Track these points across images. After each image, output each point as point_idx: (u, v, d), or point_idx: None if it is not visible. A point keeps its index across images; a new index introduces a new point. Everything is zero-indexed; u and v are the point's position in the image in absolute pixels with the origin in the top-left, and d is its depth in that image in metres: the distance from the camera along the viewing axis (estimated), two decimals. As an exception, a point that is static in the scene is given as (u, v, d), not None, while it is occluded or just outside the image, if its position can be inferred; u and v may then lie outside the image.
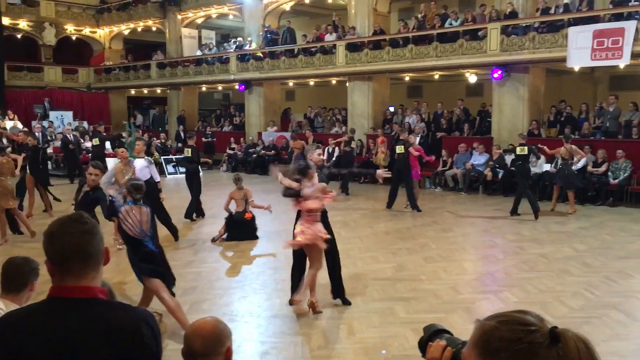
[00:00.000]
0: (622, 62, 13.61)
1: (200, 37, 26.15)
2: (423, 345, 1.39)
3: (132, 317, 1.79)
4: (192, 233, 10.61)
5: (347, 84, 19.92)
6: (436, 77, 19.59)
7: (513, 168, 14.61)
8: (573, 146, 12.41)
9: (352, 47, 18.87)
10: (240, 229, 9.80)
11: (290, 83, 23.31)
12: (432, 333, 1.40)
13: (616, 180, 13.20)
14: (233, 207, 10.06)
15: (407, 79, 20.42)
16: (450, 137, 17.20)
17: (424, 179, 16.08)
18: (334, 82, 22.12)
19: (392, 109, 19.55)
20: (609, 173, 13.39)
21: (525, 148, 11.80)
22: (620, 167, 13.29)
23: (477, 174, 15.48)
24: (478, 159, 15.64)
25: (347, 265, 8.08)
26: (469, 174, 15.52)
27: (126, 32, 28.87)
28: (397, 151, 12.73)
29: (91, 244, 1.78)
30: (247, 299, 6.74)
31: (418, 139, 15.40)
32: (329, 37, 19.93)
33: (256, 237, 9.91)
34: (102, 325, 1.71)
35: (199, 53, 24.90)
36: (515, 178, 14.27)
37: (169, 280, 5.83)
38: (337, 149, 17.17)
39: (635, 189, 13.32)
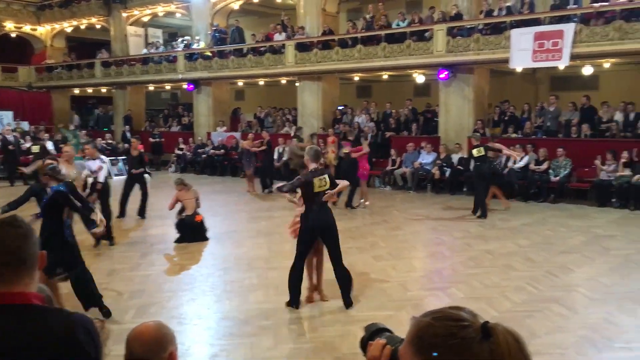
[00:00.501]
0: (562, 64, 14.10)
1: (146, 36, 25.61)
2: (364, 344, 1.40)
3: (69, 323, 1.74)
4: (139, 235, 10.40)
5: (297, 84, 19.92)
6: (385, 77, 19.81)
7: (461, 167, 14.99)
8: (496, 145, 12.69)
9: (302, 47, 18.88)
10: (191, 231, 9.66)
11: (240, 83, 23.12)
12: (373, 332, 1.41)
13: (557, 178, 13.67)
14: (178, 208, 9.96)
15: (356, 79, 20.57)
16: (399, 137, 17.44)
17: (373, 178, 16.26)
18: (283, 81, 22.08)
19: (342, 108, 19.67)
20: (550, 171, 13.85)
21: (482, 149, 11.70)
22: (561, 165, 13.77)
23: (425, 172, 15.75)
24: (426, 158, 15.92)
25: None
26: (417, 172, 15.77)
27: (69, 30, 28.00)
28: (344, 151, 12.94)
29: (25, 248, 1.72)
30: (197, 301, 6.65)
31: (369, 138, 15.60)
32: (278, 37, 19.88)
33: (206, 239, 9.80)
34: (37, 332, 1.65)
35: (145, 52, 24.40)
36: (462, 177, 14.64)
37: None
38: (287, 148, 17.18)
39: (574, 186, 13.82)
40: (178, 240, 9.58)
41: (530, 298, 6.57)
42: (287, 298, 6.39)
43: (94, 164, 9.69)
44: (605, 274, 7.53)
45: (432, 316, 1.17)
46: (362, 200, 13.01)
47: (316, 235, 6.28)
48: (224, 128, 21.68)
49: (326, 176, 6.20)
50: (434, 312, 1.18)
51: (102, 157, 10.29)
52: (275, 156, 18.52)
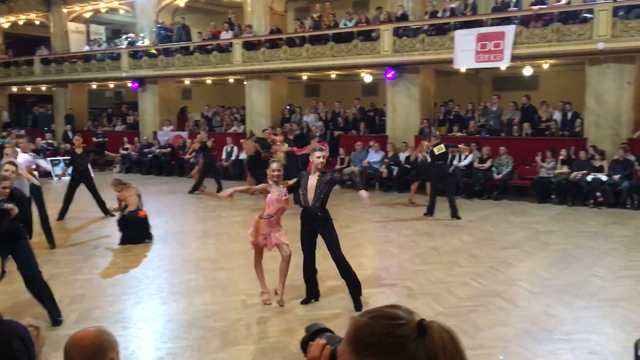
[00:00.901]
0: (503, 64, 14.51)
1: (88, 32, 24.88)
2: (304, 344, 1.40)
3: (3, 332, 1.68)
4: (82, 238, 10.10)
5: (245, 83, 19.78)
6: (333, 76, 19.91)
7: (408, 165, 15.21)
8: (425, 143, 12.90)
9: (249, 46, 18.76)
10: (134, 228, 9.45)
11: (187, 81, 22.78)
12: (314, 332, 1.41)
13: (499, 175, 14.06)
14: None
15: (304, 78, 20.60)
16: (347, 136, 17.56)
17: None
18: (231, 80, 21.88)
19: (289, 107, 19.66)
20: (493, 168, 14.24)
21: (442, 146, 11.60)
22: (503, 163, 14.17)
23: (373, 171, 15.91)
24: (374, 156, 16.08)
25: (246, 265, 8.04)
26: (365, 171, 15.92)
27: (6, 26, 26.89)
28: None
29: None
30: (142, 304, 6.50)
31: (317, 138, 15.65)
32: (225, 35, 19.69)
33: (150, 237, 9.61)
34: None
35: (87, 49, 23.70)
36: (409, 176, 14.86)
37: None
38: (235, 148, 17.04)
39: (516, 183, 14.25)
40: (122, 242, 9.36)
41: (475, 293, 6.73)
42: (236, 298, 6.35)
43: (22, 158, 9.49)
44: (545, 268, 7.80)
45: (369, 315, 1.17)
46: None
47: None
48: (171, 127, 21.30)
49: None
50: (371, 311, 1.19)
51: (34, 154, 10.17)
52: (224, 155, 18.37)
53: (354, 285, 6.26)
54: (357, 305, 6.14)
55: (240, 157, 18.46)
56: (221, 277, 7.46)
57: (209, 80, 22.51)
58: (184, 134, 20.14)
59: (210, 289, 6.97)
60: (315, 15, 18.49)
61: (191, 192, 15.01)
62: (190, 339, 5.45)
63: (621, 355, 4.90)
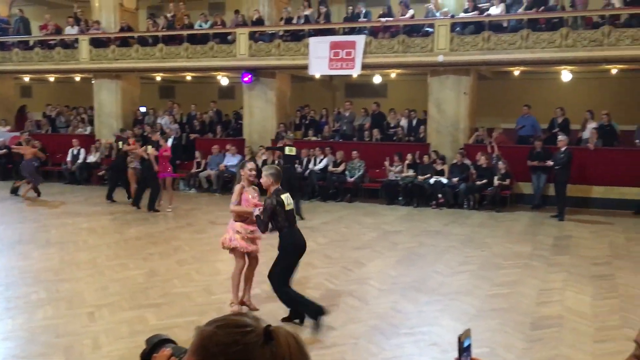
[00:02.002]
0: (354, 72, 15.17)
1: None
2: (146, 357, 1.35)
3: None
4: None
5: (93, 82, 18.69)
6: (188, 78, 19.48)
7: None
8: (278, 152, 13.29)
9: (97, 43, 17.77)
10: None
11: (26, 78, 21.00)
12: (156, 344, 1.37)
13: (352, 179, 14.65)
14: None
15: (158, 79, 19.92)
16: (203, 139, 17.28)
17: (177, 181, 15.88)
18: (77, 79, 20.52)
19: (143, 109, 18.90)
20: (346, 172, 14.81)
21: (294, 149, 11.96)
22: (356, 167, 14.79)
23: (230, 174, 15.78)
24: (231, 160, 15.98)
25: (93, 275, 7.61)
26: (222, 175, 15.76)
27: None
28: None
29: None
30: (-29, 323, 5.87)
31: (170, 140, 15.24)
32: (71, 30, 18.47)
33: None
34: None
35: None
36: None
37: None
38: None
39: (367, 186, 14.94)
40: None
41: (328, 293, 6.94)
42: (81, 311, 5.98)
43: None
44: (393, 266, 8.26)
45: (215, 324, 1.16)
46: (163, 203, 12.79)
47: (301, 254, 5.99)
48: (8, 127, 19.48)
49: (287, 193, 5.91)
50: (218, 320, 1.18)
51: None
52: (69, 158, 17.22)
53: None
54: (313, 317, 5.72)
55: (88, 160, 17.43)
56: (65, 288, 6.97)
57: (51, 78, 20.93)
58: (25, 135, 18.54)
59: (53, 302, 6.48)
60: (169, 15, 17.97)
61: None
62: (29, 357, 5.02)
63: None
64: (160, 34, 17.26)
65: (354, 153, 14.82)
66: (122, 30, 17.92)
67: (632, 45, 12.54)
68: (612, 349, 5.31)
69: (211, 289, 7.06)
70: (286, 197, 5.82)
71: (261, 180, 5.95)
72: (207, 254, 9.00)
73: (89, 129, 18.89)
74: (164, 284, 7.25)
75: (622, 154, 13.48)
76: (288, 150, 11.93)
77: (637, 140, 13.46)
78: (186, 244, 9.54)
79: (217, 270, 8.05)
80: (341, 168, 14.86)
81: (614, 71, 14.71)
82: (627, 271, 8.11)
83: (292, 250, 5.94)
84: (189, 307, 6.37)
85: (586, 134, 13.86)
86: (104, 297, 6.68)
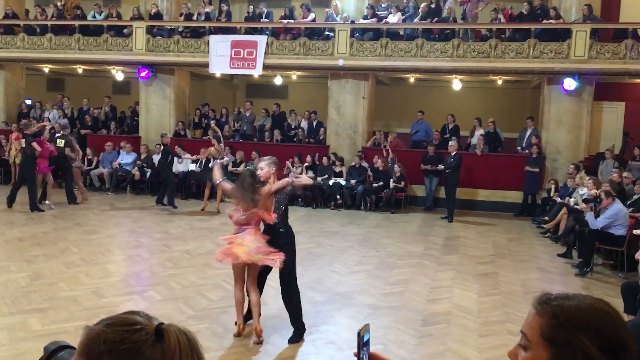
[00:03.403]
0: (256, 72, 15.12)
1: None
2: None
3: None
4: None
5: (-28, 71, 17.30)
6: (80, 71, 18.49)
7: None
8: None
9: (-22, 29, 16.48)
10: None
11: None
12: (54, 351, 1.28)
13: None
14: None
15: (46, 70, 18.76)
16: (96, 135, 16.51)
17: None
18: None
19: (28, 102, 17.74)
20: (246, 172, 14.69)
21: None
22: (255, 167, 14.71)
23: (124, 173, 15.20)
24: (126, 158, 15.38)
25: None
26: (116, 173, 15.13)
27: None
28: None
29: None
30: None
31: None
32: (-54, 14, 16.98)
33: None
34: None
35: None
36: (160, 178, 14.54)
37: None
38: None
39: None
40: None
41: (226, 294, 6.83)
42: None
43: None
44: (291, 266, 8.28)
45: (104, 323, 1.12)
46: (47, 202, 12.20)
47: None
48: None
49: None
50: (107, 319, 1.14)
51: None
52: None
53: (293, 314, 5.64)
54: (296, 336, 5.53)
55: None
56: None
57: None
58: None
59: None
60: (59, 4, 17.00)
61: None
62: None
63: (353, 342, 5.43)
64: (49, 22, 16.28)
65: (254, 153, 14.75)
66: (6, 17, 16.72)
67: (515, 58, 13.45)
68: (496, 342, 5.66)
69: (101, 292, 6.75)
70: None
71: (263, 172, 5.53)
72: (98, 255, 8.60)
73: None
74: (49, 287, 6.83)
75: (506, 160, 14.41)
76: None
77: (519, 147, 14.44)
78: (75, 245, 9.06)
79: (108, 272, 7.71)
80: (241, 168, 14.74)
81: (499, 82, 15.73)
82: (509, 269, 8.68)
83: (294, 243, 5.73)
84: (76, 312, 6.04)
85: (474, 140, 14.68)
86: (16, 295, 6.20)
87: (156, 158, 15.22)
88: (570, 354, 1.17)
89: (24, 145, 12.23)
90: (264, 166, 5.61)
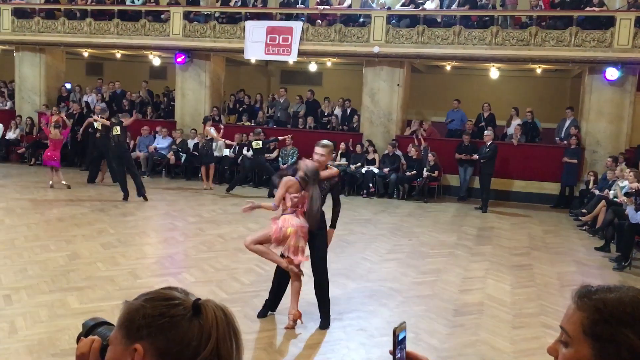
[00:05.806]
0: (291, 59, 15.11)
1: None
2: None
3: None
4: None
5: (15, 54, 17.70)
6: (118, 55, 18.76)
7: (196, 152, 15.05)
8: (210, 129, 13.82)
9: (20, 14, 16.83)
10: None
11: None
12: (92, 327, 1.31)
13: (285, 165, 14.62)
14: None
15: (85, 54, 19.08)
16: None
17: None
18: (-3, 50, 19.38)
19: (68, 85, 18.10)
20: (280, 158, 14.77)
21: (261, 142, 13.23)
22: (289, 153, 14.77)
23: (160, 157, 15.42)
24: (161, 142, 15.60)
25: (11, 256, 7.27)
26: (152, 157, 15.36)
27: None
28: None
29: None
30: None
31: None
32: (-10, -2, 17.38)
33: None
34: None
35: None
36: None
37: None
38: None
39: (300, 173, 14.93)
40: None
41: (258, 279, 6.91)
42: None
43: None
44: (323, 252, 8.30)
45: (143, 298, 1.14)
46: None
47: None
48: None
49: None
50: (146, 294, 1.16)
51: None
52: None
53: (323, 301, 5.64)
54: (326, 323, 5.54)
55: (7, 137, 16.59)
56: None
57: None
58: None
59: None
60: (99, -12, 17.23)
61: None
62: (-63, 342, 4.74)
63: (384, 329, 5.44)
64: (89, 7, 16.53)
65: (288, 140, 14.79)
66: (47, 1, 17.05)
67: (556, 47, 13.12)
68: (529, 334, 5.58)
69: (137, 273, 6.89)
70: None
71: (320, 158, 5.50)
72: (134, 236, 8.78)
73: (8, 104, 17.94)
74: (87, 266, 7.00)
75: (543, 151, 14.13)
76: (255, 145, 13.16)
77: (557, 138, 14.14)
78: (111, 227, 9.26)
79: (143, 254, 7.86)
80: (275, 154, 14.80)
81: (538, 70, 15.38)
82: (544, 261, 8.53)
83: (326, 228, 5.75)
84: (113, 291, 6.18)
85: (511, 130, 14.42)
86: (22, 279, 6.39)
87: (191, 143, 15.41)
88: (615, 350, 1.10)
89: (119, 132, 11.71)
90: (324, 153, 5.53)
